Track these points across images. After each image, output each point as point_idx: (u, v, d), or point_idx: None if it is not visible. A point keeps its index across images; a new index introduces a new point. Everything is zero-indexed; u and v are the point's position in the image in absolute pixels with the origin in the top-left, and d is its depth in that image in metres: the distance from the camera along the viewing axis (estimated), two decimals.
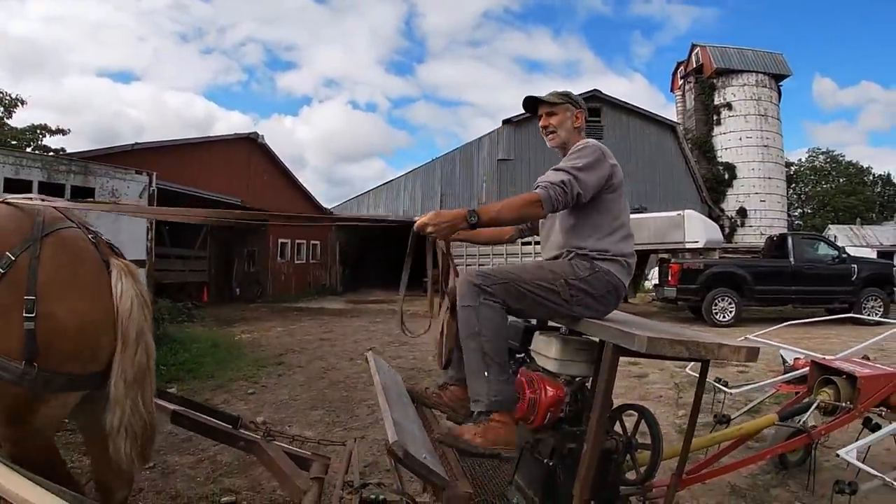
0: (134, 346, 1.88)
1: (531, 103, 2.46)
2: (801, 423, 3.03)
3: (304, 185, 20.82)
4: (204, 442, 3.58)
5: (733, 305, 11.51)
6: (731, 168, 30.18)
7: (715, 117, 31.21)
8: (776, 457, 3.33)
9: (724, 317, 11.38)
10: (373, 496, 2.17)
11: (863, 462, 2.57)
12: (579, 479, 1.93)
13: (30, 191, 5.42)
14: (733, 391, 3.90)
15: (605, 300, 2.22)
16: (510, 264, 2.45)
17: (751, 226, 28.92)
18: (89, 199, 5.81)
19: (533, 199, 2.05)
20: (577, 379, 2.21)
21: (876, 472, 2.16)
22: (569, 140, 2.39)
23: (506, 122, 23.17)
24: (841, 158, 54.68)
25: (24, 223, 1.80)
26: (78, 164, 5.91)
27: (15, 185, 5.42)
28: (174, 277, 13.36)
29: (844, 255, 12.18)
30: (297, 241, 20.11)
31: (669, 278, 12.24)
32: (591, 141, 2.30)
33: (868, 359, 3.67)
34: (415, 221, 2.00)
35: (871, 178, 55.72)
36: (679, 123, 25.75)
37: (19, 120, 13.78)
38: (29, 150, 10.88)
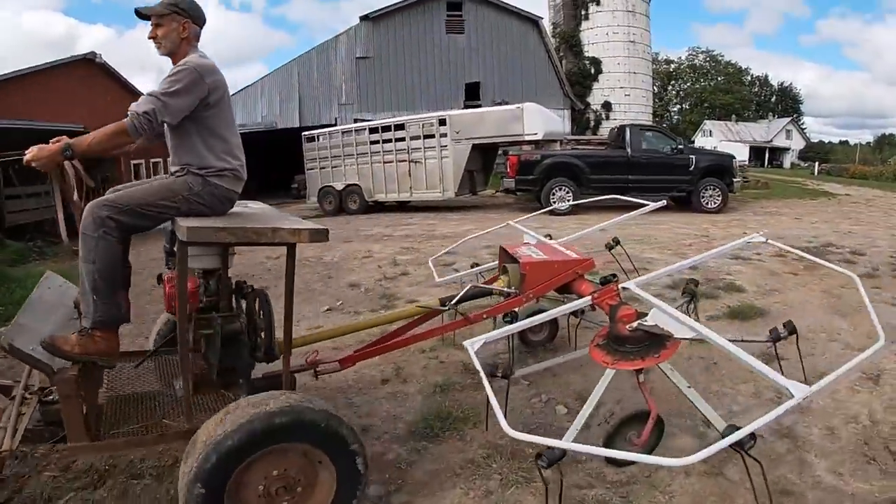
0: None
1: (143, 15, 2.41)
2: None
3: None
4: None
5: (570, 195, 11.74)
6: (597, 63, 30.53)
7: (583, 12, 31.11)
8: (517, 337, 3.65)
9: (562, 205, 11.53)
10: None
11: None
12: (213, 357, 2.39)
13: None
14: (438, 279, 3.92)
15: (218, 209, 2.44)
16: (139, 187, 2.42)
17: (615, 119, 29.76)
18: None
19: (120, 129, 2.19)
20: (209, 271, 2.54)
21: (479, 366, 2.13)
22: (176, 51, 2.42)
23: (363, 18, 21.79)
24: (720, 58, 57.43)
25: None
26: None
27: None
28: (29, 217, 12.37)
29: (681, 147, 12.53)
30: (152, 160, 18.52)
31: (508, 170, 12.32)
32: (190, 61, 2.32)
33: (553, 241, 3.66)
34: None
35: (749, 78, 59.28)
36: (542, 18, 25.32)
37: None
38: None
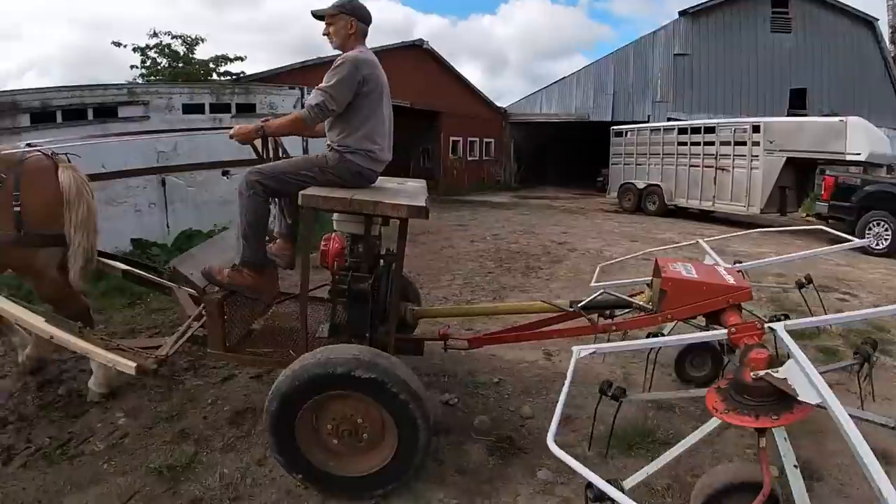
0: (76, 206, 3.16)
1: (319, 16, 2.90)
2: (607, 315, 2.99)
3: (479, 88, 21.72)
4: None
5: (889, 232, 9.86)
6: None
7: None
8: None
9: (878, 244, 9.76)
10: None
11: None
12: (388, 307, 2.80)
13: (203, 110, 7.48)
14: (594, 283, 3.73)
15: (350, 182, 2.79)
16: (288, 159, 3.00)
17: None
18: (251, 114, 7.77)
19: (298, 118, 2.75)
20: (355, 236, 2.84)
21: (570, 374, 2.13)
22: (344, 45, 2.85)
23: (682, 13, 20.99)
24: None
25: (12, 158, 3.16)
26: (241, 87, 7.89)
27: (190, 108, 7.52)
28: None
29: None
30: (470, 138, 21.48)
31: (822, 192, 11.16)
32: (349, 55, 2.74)
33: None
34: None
35: None
36: (878, 19, 20.54)
37: (205, 52, 17.27)
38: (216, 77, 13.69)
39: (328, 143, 2.85)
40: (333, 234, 2.83)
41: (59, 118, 6.60)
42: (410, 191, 2.96)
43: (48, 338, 2.89)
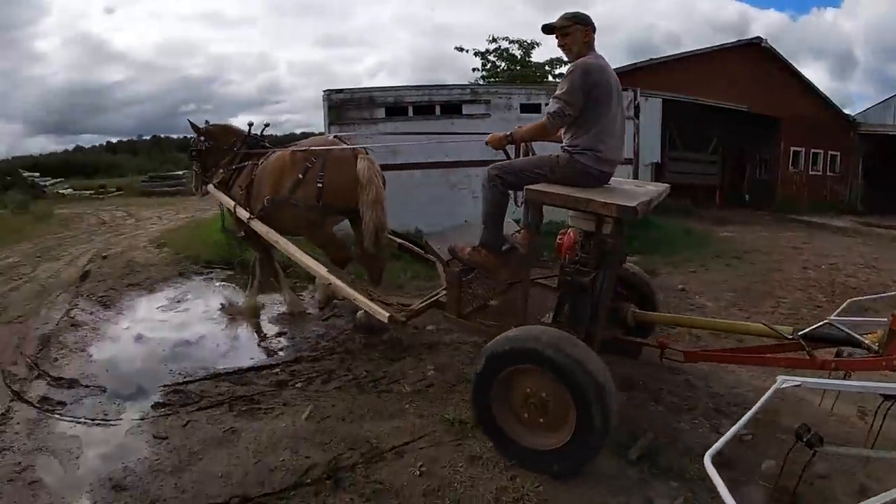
0: (367, 188, 4.11)
1: (549, 29, 3.08)
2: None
3: (826, 92, 18.68)
4: None
5: None
6: None
7: None
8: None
9: None
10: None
11: None
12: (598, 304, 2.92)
13: (539, 110, 8.06)
14: (833, 316, 3.02)
15: (577, 181, 2.96)
16: (525, 158, 3.36)
17: None
18: None
19: (542, 125, 3.03)
20: (587, 233, 2.96)
21: (762, 403, 1.86)
22: (581, 54, 3.00)
23: None
24: None
25: (318, 151, 4.30)
26: None
27: (528, 107, 8.16)
28: (685, 179, 14.62)
29: None
30: (813, 150, 18.61)
31: None
32: (578, 62, 2.92)
33: None
34: None
35: None
36: None
37: (541, 55, 16.89)
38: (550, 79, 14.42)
39: (562, 144, 3.09)
40: (569, 230, 3.06)
41: (409, 112, 7.88)
42: (640, 193, 3.00)
43: (326, 283, 4.13)
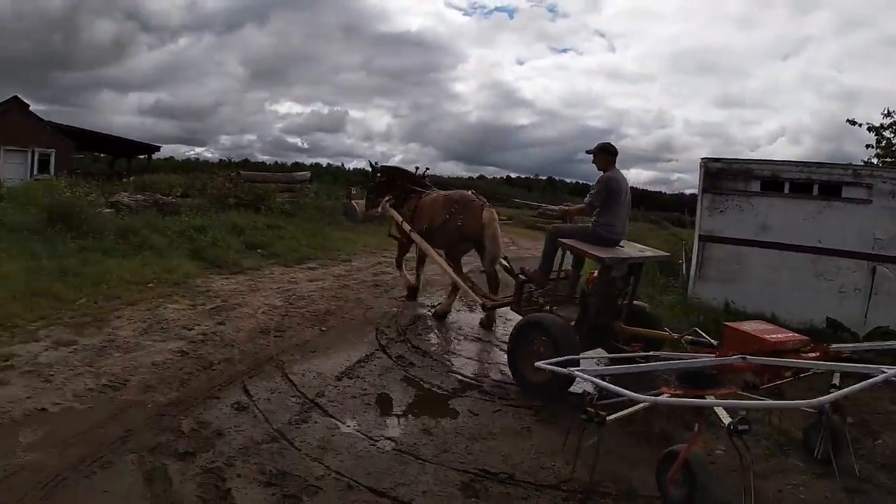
0: (488, 229, 6.21)
1: (589, 151, 5.17)
2: None
3: None
4: None
5: None
6: None
7: None
8: None
9: None
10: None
11: None
12: None
13: None
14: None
15: (599, 242, 4.93)
16: (575, 225, 5.59)
17: None
18: None
19: (582, 209, 5.32)
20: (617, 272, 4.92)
21: None
22: (605, 168, 5.07)
23: None
24: None
25: (464, 199, 6.55)
26: None
27: None
28: None
29: None
30: None
31: None
32: (603, 176, 5.05)
33: None
34: None
35: None
36: None
37: None
38: None
39: (592, 220, 5.13)
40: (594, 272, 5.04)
41: (786, 189, 7.31)
42: (632, 252, 5.09)
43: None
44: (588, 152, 5.14)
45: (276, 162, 45.33)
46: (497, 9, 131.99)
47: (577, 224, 5.63)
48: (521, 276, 5.33)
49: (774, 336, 3.65)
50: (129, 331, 5.26)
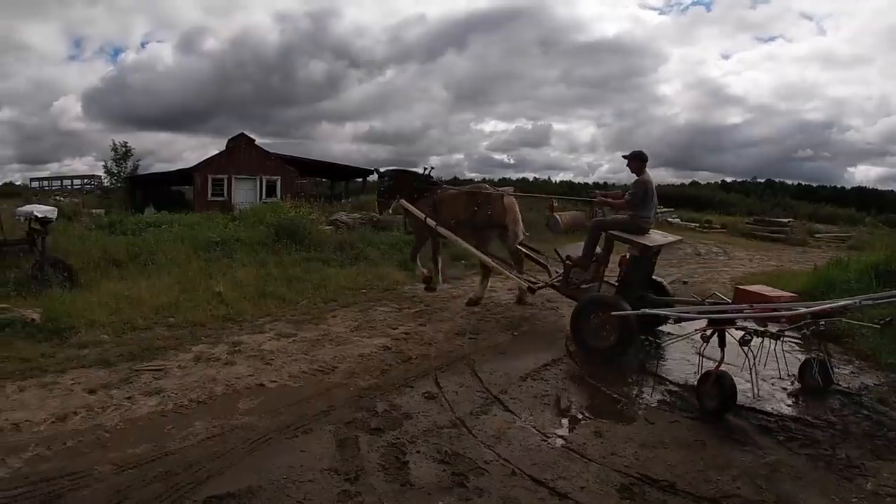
0: (511, 214, 7.33)
1: (624, 157, 6.21)
2: None
3: None
4: None
5: None
6: None
7: None
8: None
9: None
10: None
11: None
12: None
13: None
14: None
15: (633, 231, 5.93)
16: (617, 217, 6.33)
17: None
18: None
19: (625, 202, 6.09)
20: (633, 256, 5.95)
21: None
22: (639, 172, 6.07)
23: None
24: None
25: (492, 193, 7.64)
26: None
27: None
28: None
29: None
30: None
31: None
32: (639, 180, 6.05)
33: None
34: None
35: None
36: None
37: None
38: None
39: (629, 213, 6.05)
40: (626, 254, 5.99)
41: None
42: (660, 238, 6.23)
43: (482, 262, 7.38)
44: (624, 157, 6.15)
45: (484, 178, 47.48)
46: (694, 3, 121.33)
47: (616, 216, 6.38)
48: (567, 261, 6.26)
49: (772, 293, 4.92)
50: (342, 328, 6.28)
